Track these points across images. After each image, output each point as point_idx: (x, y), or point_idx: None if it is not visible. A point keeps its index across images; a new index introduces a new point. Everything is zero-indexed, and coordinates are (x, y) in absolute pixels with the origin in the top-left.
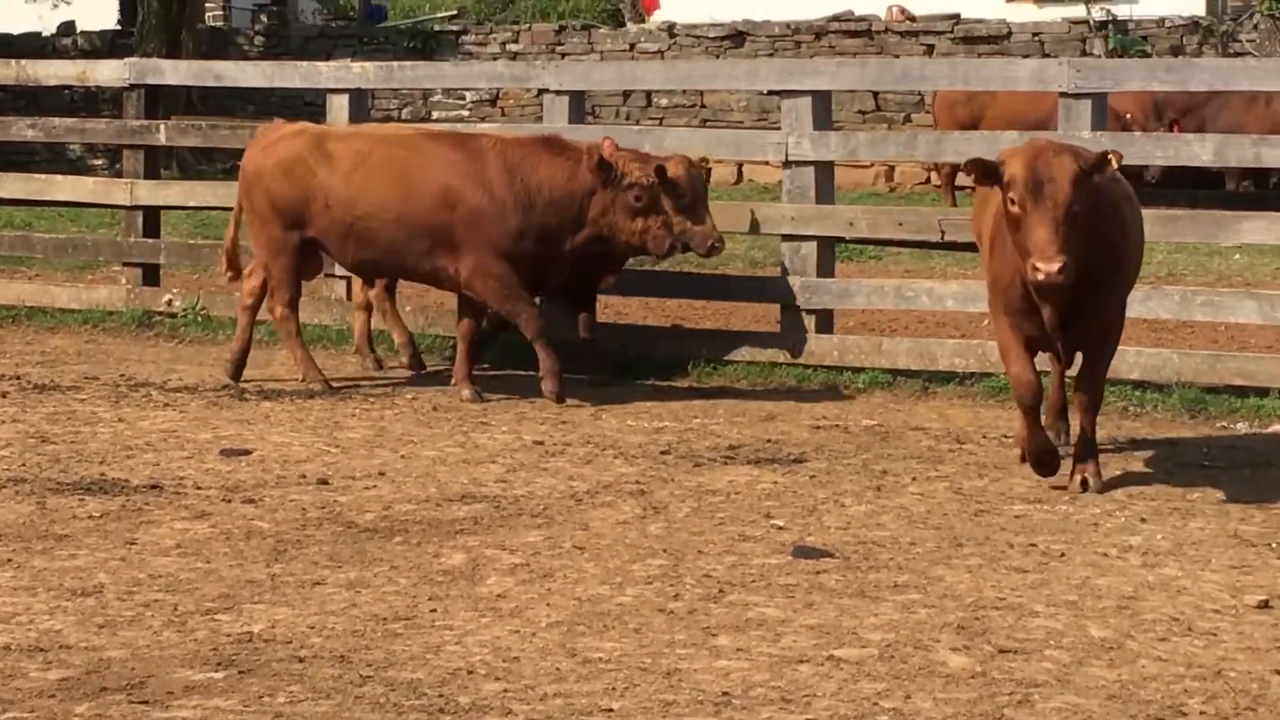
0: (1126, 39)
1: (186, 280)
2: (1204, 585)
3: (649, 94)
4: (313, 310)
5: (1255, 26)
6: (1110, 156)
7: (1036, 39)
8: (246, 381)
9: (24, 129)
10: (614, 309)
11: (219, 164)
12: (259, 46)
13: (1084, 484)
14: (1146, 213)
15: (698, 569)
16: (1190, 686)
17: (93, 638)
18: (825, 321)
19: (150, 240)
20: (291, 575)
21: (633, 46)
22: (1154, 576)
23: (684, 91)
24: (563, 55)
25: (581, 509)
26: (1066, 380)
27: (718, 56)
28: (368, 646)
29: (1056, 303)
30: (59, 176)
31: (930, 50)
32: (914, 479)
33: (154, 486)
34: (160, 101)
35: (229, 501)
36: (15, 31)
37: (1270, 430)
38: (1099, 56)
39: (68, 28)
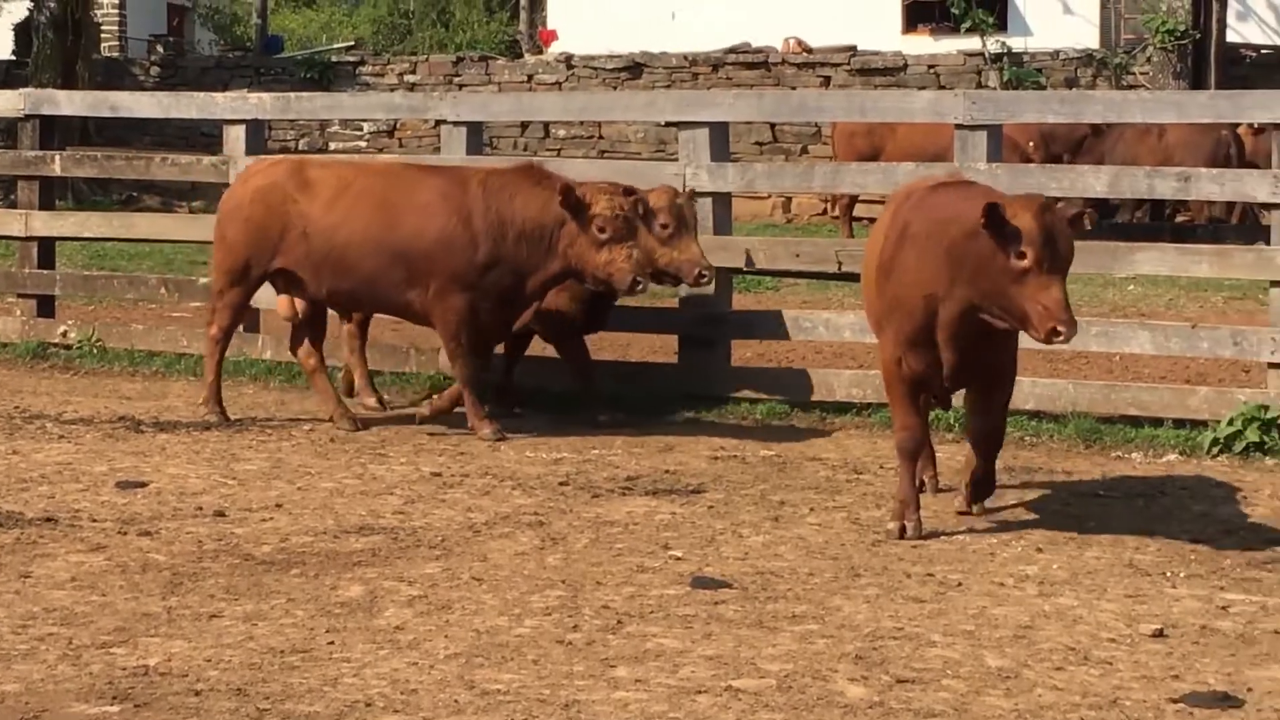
0: (1022, 71)
1: (82, 312)
2: (1100, 614)
3: (547, 125)
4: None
5: (1148, 59)
6: (1086, 214)
7: (932, 71)
8: (142, 415)
9: None
10: None
11: (114, 194)
12: (155, 77)
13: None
14: None
15: (596, 600)
16: (1086, 715)
17: None
18: (723, 352)
19: (45, 271)
20: (188, 608)
21: (530, 78)
22: (1050, 606)
23: (582, 123)
24: (460, 86)
25: (480, 540)
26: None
27: (615, 88)
28: (265, 679)
29: (958, 346)
30: None
31: (827, 82)
32: (811, 509)
33: (49, 519)
34: (56, 132)
35: (125, 534)
36: None
37: (1164, 460)
38: (994, 89)
39: None
